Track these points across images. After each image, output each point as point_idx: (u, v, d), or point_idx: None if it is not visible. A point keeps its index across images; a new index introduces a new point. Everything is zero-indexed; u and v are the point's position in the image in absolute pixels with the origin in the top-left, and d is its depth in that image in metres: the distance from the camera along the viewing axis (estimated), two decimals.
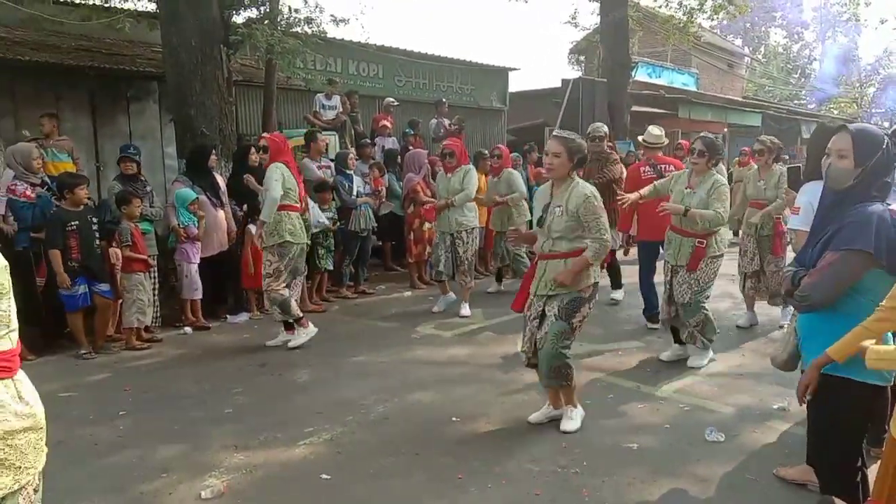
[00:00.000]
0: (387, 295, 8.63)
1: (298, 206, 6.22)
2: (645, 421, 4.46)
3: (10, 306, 1.74)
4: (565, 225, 4.05)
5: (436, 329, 6.91)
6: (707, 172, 5.26)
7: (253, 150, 7.86)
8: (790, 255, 4.11)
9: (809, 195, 3.50)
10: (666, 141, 7.40)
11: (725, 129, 18.82)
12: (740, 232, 7.08)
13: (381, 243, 9.97)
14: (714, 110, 19.96)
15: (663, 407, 4.72)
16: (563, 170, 4.06)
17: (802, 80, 41.81)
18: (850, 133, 2.82)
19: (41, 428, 1.85)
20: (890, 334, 2.64)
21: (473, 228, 7.46)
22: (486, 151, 10.32)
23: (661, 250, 5.89)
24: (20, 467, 1.75)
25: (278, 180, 5.95)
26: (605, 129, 7.54)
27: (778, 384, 5.00)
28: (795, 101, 36.42)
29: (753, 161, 6.80)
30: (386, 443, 4.20)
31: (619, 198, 5.86)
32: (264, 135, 6.61)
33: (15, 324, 1.77)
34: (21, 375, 1.83)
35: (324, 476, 3.77)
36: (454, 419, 4.57)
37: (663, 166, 6.82)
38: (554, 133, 4.21)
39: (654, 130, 7.16)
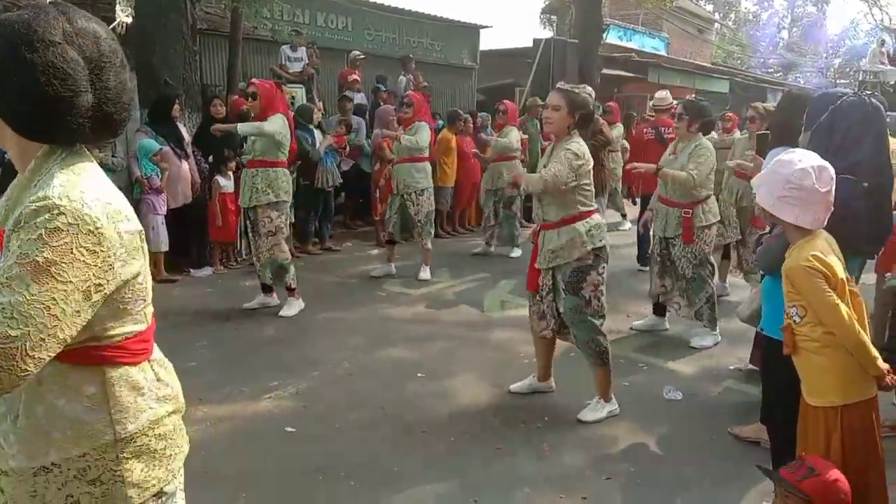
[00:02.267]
0: (353, 252, 8.61)
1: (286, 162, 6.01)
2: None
3: (146, 279, 1.50)
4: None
5: (402, 287, 6.92)
6: (691, 137, 5.09)
7: (217, 101, 7.68)
8: None
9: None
10: (673, 102, 7.64)
11: (693, 95, 18.90)
12: (719, 200, 6.84)
13: (361, 200, 9.89)
14: (683, 75, 20.04)
15: (623, 366, 4.81)
16: (562, 125, 3.76)
17: (771, 48, 42.09)
18: (812, 102, 2.88)
19: (183, 407, 1.64)
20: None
21: (423, 190, 7.08)
22: (461, 111, 10.30)
23: None
24: (171, 455, 1.56)
25: (279, 126, 5.64)
26: (591, 90, 7.25)
27: (734, 346, 5.14)
28: (763, 69, 36.70)
29: (747, 128, 6.36)
30: (351, 398, 4.24)
31: (628, 166, 5.85)
32: (253, 80, 6.18)
33: (150, 298, 1.55)
34: (157, 354, 1.60)
35: (289, 429, 3.80)
36: (419, 375, 4.62)
37: (664, 129, 7.07)
38: (557, 85, 3.89)
39: (660, 94, 7.67)
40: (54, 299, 1.24)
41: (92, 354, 1.40)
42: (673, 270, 5.27)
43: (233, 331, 5.48)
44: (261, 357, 4.92)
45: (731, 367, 4.82)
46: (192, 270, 7.22)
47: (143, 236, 1.48)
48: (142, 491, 1.48)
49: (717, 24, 36.02)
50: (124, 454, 1.45)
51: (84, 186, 1.33)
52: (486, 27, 15.85)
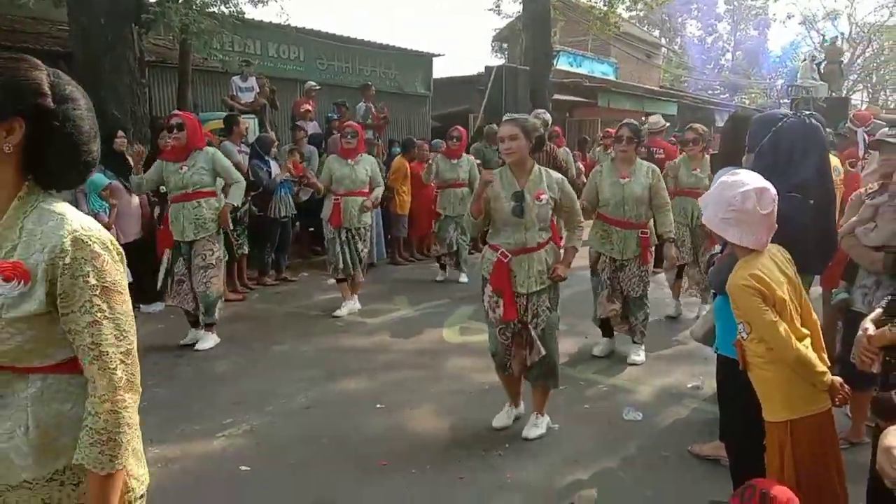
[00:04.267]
0: (309, 283, 8.50)
1: None
2: (565, 402, 4.53)
3: None
4: (548, 213, 3.88)
5: (360, 316, 6.84)
6: (634, 160, 5.21)
7: (120, 133, 7.45)
8: None
9: None
10: (666, 124, 8.94)
11: (643, 118, 19.31)
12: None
13: (309, 229, 9.78)
14: (632, 99, 20.46)
15: (582, 388, 4.82)
16: (523, 152, 3.82)
17: (716, 70, 43.36)
18: (753, 124, 2.94)
19: None
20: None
21: (370, 225, 7.03)
22: (415, 138, 10.32)
23: None
24: (143, 455, 1.72)
25: (228, 161, 5.74)
26: (548, 115, 7.20)
27: (692, 365, 5.18)
28: (709, 91, 37.73)
29: (688, 151, 6.51)
30: (308, 432, 4.14)
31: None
32: (176, 112, 6.11)
33: None
34: None
35: (243, 468, 3.69)
36: (378, 406, 4.54)
37: (655, 149, 8.03)
38: (505, 117, 3.94)
39: (653, 118, 8.78)
40: (128, 308, 1.55)
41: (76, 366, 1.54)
42: (619, 292, 5.30)
43: (184, 367, 5.33)
44: (213, 393, 4.79)
45: (689, 386, 4.85)
46: (142, 306, 7.02)
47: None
48: (140, 484, 1.64)
49: (663, 49, 36.97)
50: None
51: (86, 218, 1.55)
52: (439, 55, 16.02)
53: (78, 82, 1.60)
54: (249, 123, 9.36)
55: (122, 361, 1.50)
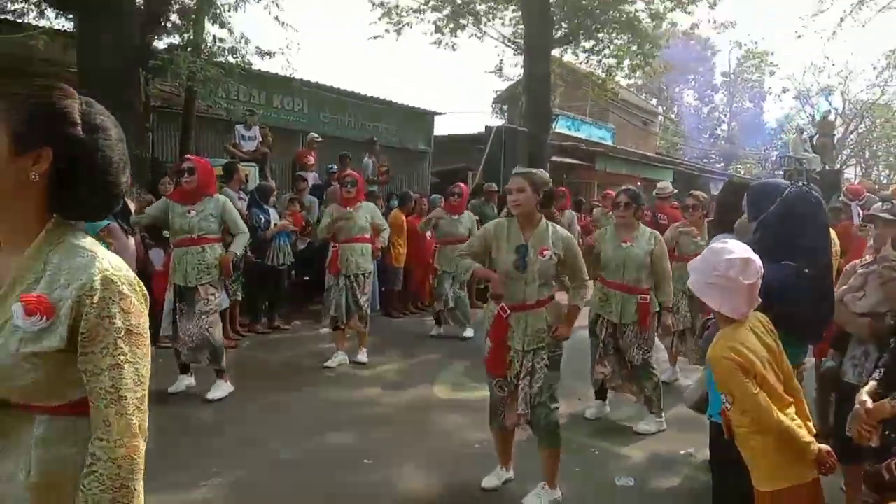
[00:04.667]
0: (301, 331, 8.44)
1: None
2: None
3: None
4: (552, 269, 3.84)
5: (351, 368, 6.77)
6: (636, 225, 5.20)
7: (166, 179, 7.55)
8: None
9: None
10: (674, 191, 9.12)
11: (639, 183, 19.57)
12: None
13: (307, 278, 9.76)
14: (629, 164, 20.80)
15: (574, 450, 4.73)
16: (530, 205, 3.79)
17: (712, 140, 44.12)
18: (748, 190, 2.97)
19: None
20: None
21: (370, 273, 7.01)
22: (412, 192, 10.43)
23: None
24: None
25: (236, 211, 5.77)
26: (545, 174, 7.23)
27: (686, 431, 5.11)
28: (704, 159, 38.33)
29: (688, 217, 6.43)
30: (293, 487, 4.05)
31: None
32: (189, 156, 6.05)
33: None
34: None
35: None
36: (366, 461, 4.45)
37: (660, 215, 8.22)
38: (515, 170, 3.96)
39: (662, 184, 9.11)
40: (147, 353, 1.51)
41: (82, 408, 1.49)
42: (618, 358, 5.23)
43: (169, 415, 5.21)
44: (198, 443, 4.70)
45: (683, 453, 4.78)
46: None
47: None
48: None
49: (660, 117, 37.68)
50: None
51: (113, 257, 1.50)
52: (440, 113, 16.30)
53: None
54: (250, 171, 9.44)
55: (138, 407, 1.46)
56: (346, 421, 5.22)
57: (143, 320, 1.49)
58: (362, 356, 6.96)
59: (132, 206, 7.21)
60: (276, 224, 8.12)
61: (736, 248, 2.52)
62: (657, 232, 5.37)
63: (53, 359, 1.42)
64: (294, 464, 4.39)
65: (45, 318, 1.41)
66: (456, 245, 8.01)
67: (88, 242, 1.49)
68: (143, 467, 1.48)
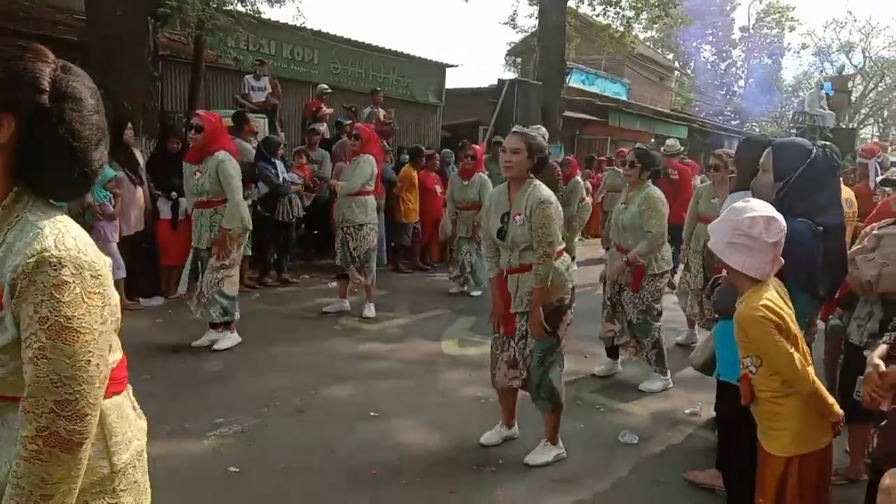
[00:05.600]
0: (310, 285, 8.46)
1: None
2: (562, 421, 4.47)
3: (118, 307, 1.50)
4: (527, 234, 3.66)
5: (358, 322, 6.79)
6: (642, 185, 5.08)
7: (173, 138, 7.46)
8: None
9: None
10: (682, 149, 9.56)
11: (653, 140, 19.32)
12: (685, 247, 6.59)
13: (315, 232, 9.77)
14: (643, 120, 20.49)
15: (579, 408, 4.75)
16: (522, 169, 3.64)
17: (728, 96, 43.41)
18: (772, 148, 2.89)
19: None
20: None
21: (362, 225, 6.77)
22: (424, 148, 10.29)
23: None
24: (146, 490, 1.61)
25: (238, 177, 5.42)
26: (544, 131, 6.91)
27: (691, 390, 5.12)
28: (719, 116, 37.78)
29: (710, 176, 6.27)
30: (299, 437, 4.09)
31: None
32: (199, 112, 5.75)
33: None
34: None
35: (232, 468, 3.64)
36: (372, 414, 4.49)
37: (671, 170, 8.38)
38: (513, 129, 3.79)
39: (670, 141, 9.55)
40: (90, 351, 1.31)
41: None
42: (622, 315, 5.23)
43: (179, 364, 5.28)
44: (206, 392, 4.74)
45: (687, 412, 4.79)
46: (141, 300, 7.00)
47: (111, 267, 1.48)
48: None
49: (676, 72, 37.05)
50: (119, 486, 1.48)
51: (71, 230, 1.34)
52: (452, 66, 16.03)
53: (90, 73, 1.47)
54: (260, 123, 9.36)
55: (55, 411, 1.27)
56: (352, 374, 5.26)
57: (83, 312, 1.30)
58: (368, 311, 6.96)
59: (140, 158, 7.19)
60: (288, 181, 8.11)
61: (758, 207, 2.46)
62: (656, 192, 5.11)
63: (15, 352, 1.31)
64: (299, 414, 4.44)
65: None
66: (471, 210, 7.91)
67: (44, 218, 1.34)
68: (61, 479, 1.30)
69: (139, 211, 7.01)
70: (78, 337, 1.29)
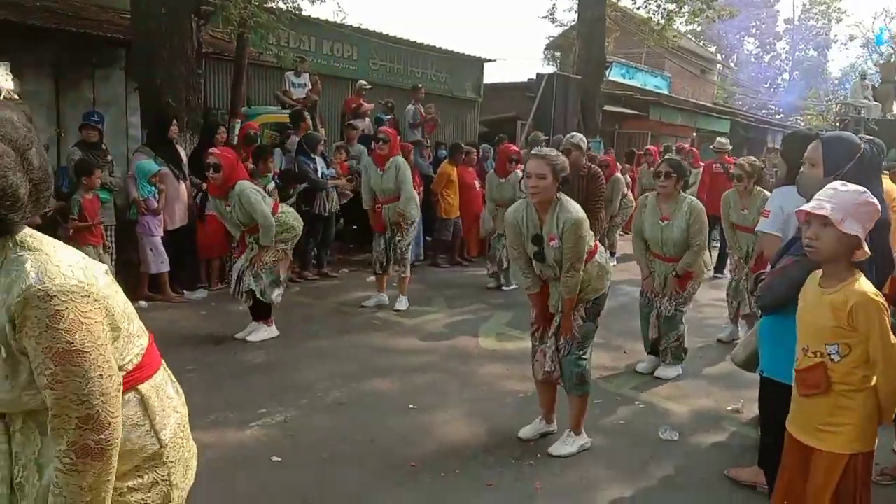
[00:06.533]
0: (349, 279, 8.54)
1: None
2: (601, 417, 4.45)
3: (126, 300, 1.59)
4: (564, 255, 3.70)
5: (397, 316, 6.84)
6: (677, 197, 5.07)
7: (221, 129, 7.67)
8: None
9: (780, 199, 3.47)
10: (730, 147, 10.42)
11: (695, 134, 19.05)
12: (731, 255, 6.56)
13: (354, 227, 9.86)
14: (684, 114, 20.19)
15: (618, 403, 4.73)
16: (549, 192, 3.63)
17: (772, 90, 42.51)
18: (822, 142, 2.83)
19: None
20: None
21: (413, 221, 6.97)
22: (463, 144, 10.28)
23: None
24: (190, 459, 1.73)
25: (262, 206, 5.51)
26: (581, 138, 6.96)
27: (733, 387, 5.05)
28: (763, 110, 37.02)
29: (735, 186, 6.03)
30: (340, 428, 4.14)
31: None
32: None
33: (134, 312, 1.65)
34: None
35: (275, 458, 3.71)
36: (411, 407, 4.52)
37: (728, 165, 8.99)
38: (533, 152, 3.74)
39: (721, 139, 10.49)
40: (99, 367, 1.39)
41: (125, 382, 1.51)
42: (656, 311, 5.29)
43: (222, 356, 5.38)
44: (249, 383, 4.83)
45: (729, 409, 4.72)
46: (185, 292, 7.15)
47: (108, 270, 1.56)
48: (181, 493, 1.65)
49: (719, 65, 36.40)
50: (169, 458, 1.60)
51: (54, 259, 1.38)
52: (490, 60, 15.99)
53: (136, 70, 1.48)
54: None
55: (80, 427, 1.38)
56: (390, 367, 5.30)
57: (84, 332, 1.37)
58: (401, 304, 7.03)
59: (183, 154, 7.34)
60: (327, 175, 8.21)
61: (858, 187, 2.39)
62: (698, 204, 5.13)
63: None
64: (339, 406, 4.49)
65: None
66: (505, 208, 7.85)
67: (24, 253, 1.39)
68: (96, 485, 1.41)
69: (183, 205, 7.16)
70: (85, 357, 1.37)
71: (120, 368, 1.50)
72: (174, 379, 1.77)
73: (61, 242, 1.49)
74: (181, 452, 1.66)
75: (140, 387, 1.57)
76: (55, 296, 1.34)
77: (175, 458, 1.63)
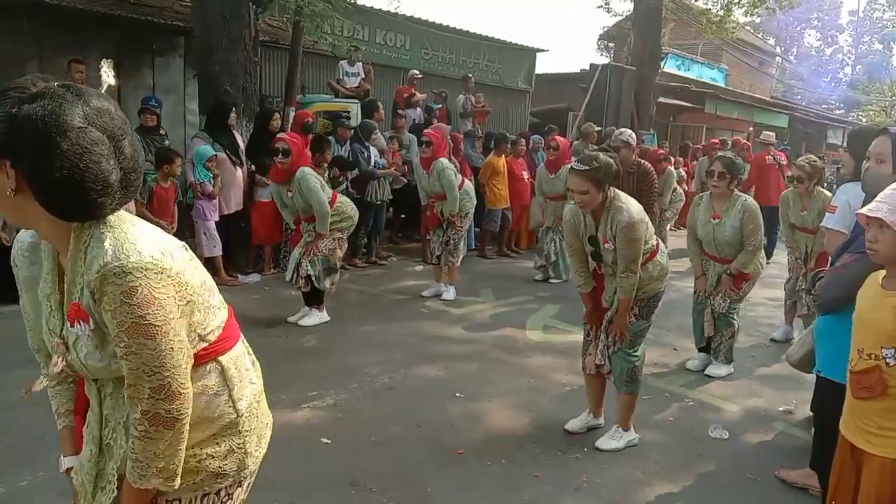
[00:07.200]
0: (398, 267, 8.62)
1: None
2: (649, 413, 4.42)
3: (206, 275, 1.65)
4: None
5: (445, 305, 6.89)
6: (731, 196, 4.99)
7: (276, 115, 7.82)
8: None
9: (846, 195, 3.40)
10: (774, 141, 10.87)
11: (751, 128, 18.60)
12: (788, 256, 6.36)
13: (403, 216, 9.95)
14: (741, 108, 19.73)
15: (668, 401, 4.69)
16: (596, 202, 3.60)
17: (833, 84, 41.22)
18: (890, 137, 2.75)
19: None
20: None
21: (467, 214, 7.02)
22: (510, 135, 10.26)
23: None
24: (263, 429, 1.79)
25: (321, 195, 5.64)
26: (631, 134, 6.72)
27: (784, 388, 4.97)
28: (823, 105, 35.94)
29: (795, 188, 5.86)
30: (389, 413, 4.21)
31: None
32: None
33: (216, 287, 1.71)
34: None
35: (325, 440, 3.79)
36: (458, 395, 4.56)
37: (779, 157, 10.00)
38: (572, 167, 3.66)
39: (767, 133, 11.04)
40: (170, 340, 1.44)
41: (206, 353, 1.59)
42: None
43: (275, 339, 5.51)
44: (301, 366, 4.94)
45: (781, 409, 4.65)
46: (240, 276, 7.32)
47: (187, 247, 1.62)
48: (255, 461, 1.73)
49: (778, 58, 35.43)
50: (244, 427, 1.67)
51: (130, 236, 1.44)
52: (543, 51, 15.87)
53: (194, 57, 1.51)
54: (352, 108, 9.55)
55: (152, 396, 1.45)
56: (439, 355, 5.35)
57: (156, 307, 1.41)
58: (448, 294, 7.09)
59: (240, 140, 7.48)
60: (380, 164, 8.31)
61: None
62: (752, 203, 5.02)
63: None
64: (388, 392, 4.56)
65: (84, 323, 1.46)
66: (559, 201, 7.85)
67: (106, 231, 1.44)
68: (167, 451, 1.48)
69: (238, 191, 7.31)
70: (157, 330, 1.42)
71: (202, 339, 1.57)
72: (251, 351, 1.83)
73: (141, 220, 1.56)
74: (255, 422, 1.72)
75: (220, 358, 1.64)
76: (130, 272, 1.39)
77: (250, 427, 1.69)
